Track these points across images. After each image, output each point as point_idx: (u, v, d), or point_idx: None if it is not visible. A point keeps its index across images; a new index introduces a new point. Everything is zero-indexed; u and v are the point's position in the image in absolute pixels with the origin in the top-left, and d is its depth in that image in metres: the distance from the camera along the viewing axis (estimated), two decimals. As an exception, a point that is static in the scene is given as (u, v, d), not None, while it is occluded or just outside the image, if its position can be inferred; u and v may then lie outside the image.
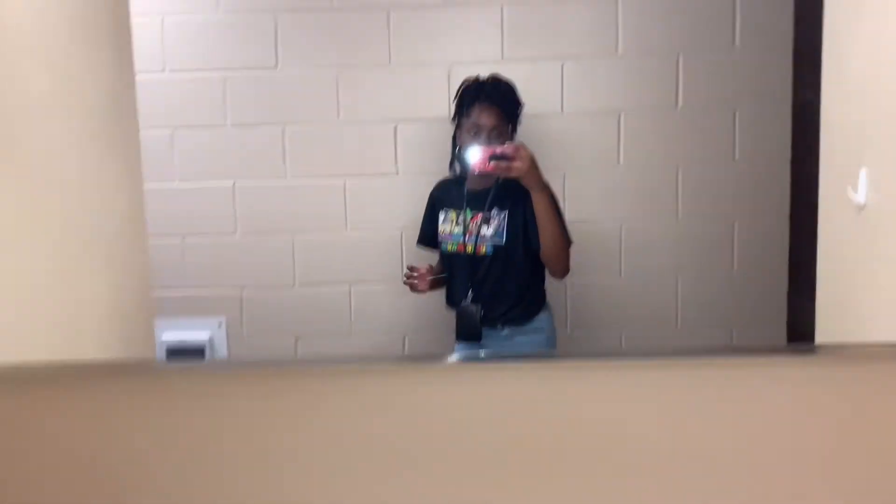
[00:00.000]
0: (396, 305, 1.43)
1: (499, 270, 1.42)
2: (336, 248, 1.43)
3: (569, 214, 1.40)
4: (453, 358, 1.21)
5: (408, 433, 1.10)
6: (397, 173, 1.40)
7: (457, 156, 1.40)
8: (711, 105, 1.38)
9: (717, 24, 1.36)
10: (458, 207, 1.42)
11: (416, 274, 1.43)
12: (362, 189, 1.41)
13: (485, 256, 1.42)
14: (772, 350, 1.16)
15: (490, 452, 1.09)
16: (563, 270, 1.42)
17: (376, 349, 1.43)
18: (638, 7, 1.36)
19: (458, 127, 1.40)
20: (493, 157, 1.36)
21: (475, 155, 1.37)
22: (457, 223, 1.43)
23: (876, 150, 1.10)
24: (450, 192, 1.42)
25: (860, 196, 1.09)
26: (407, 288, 1.43)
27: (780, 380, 1.06)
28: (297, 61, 1.40)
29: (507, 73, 1.37)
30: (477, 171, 1.37)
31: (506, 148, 1.36)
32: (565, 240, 1.40)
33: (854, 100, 1.14)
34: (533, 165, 1.36)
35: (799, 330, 1.38)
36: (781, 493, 1.09)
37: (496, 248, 1.41)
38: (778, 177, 1.38)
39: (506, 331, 1.44)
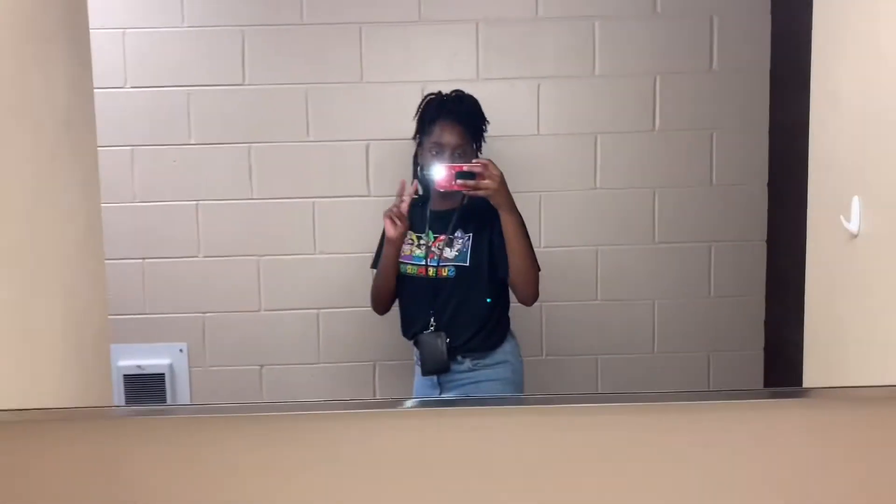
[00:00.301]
0: (366, 331, 1.38)
1: (461, 295, 1.36)
2: (304, 271, 1.37)
3: (544, 238, 1.36)
4: (414, 402, 1.17)
5: (374, 478, 1.05)
6: (369, 194, 1.36)
7: (419, 176, 1.34)
8: (689, 128, 1.37)
9: (695, 47, 1.35)
10: (420, 229, 1.36)
11: (403, 198, 1.33)
12: (332, 210, 1.36)
13: (447, 280, 1.35)
14: (758, 393, 1.13)
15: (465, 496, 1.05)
16: (532, 296, 1.35)
17: (345, 378, 1.38)
18: (615, 28, 1.34)
19: (419, 146, 1.34)
20: (459, 174, 1.30)
21: (440, 173, 1.30)
22: (418, 245, 1.36)
23: (870, 176, 1.07)
24: (412, 213, 1.35)
25: (853, 225, 1.06)
26: (375, 315, 1.36)
27: (766, 422, 1.03)
28: (264, 77, 1.35)
29: (483, 92, 1.33)
30: (442, 189, 1.31)
31: (473, 165, 1.30)
32: (535, 264, 1.34)
33: (845, 124, 1.12)
34: (502, 184, 1.30)
35: (776, 357, 1.36)
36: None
37: (459, 271, 1.35)
38: (755, 201, 1.36)
39: (467, 363, 1.36)
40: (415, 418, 1.08)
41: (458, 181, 1.30)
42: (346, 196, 1.36)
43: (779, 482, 1.04)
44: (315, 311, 1.38)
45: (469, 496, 1.06)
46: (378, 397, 1.38)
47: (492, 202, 1.31)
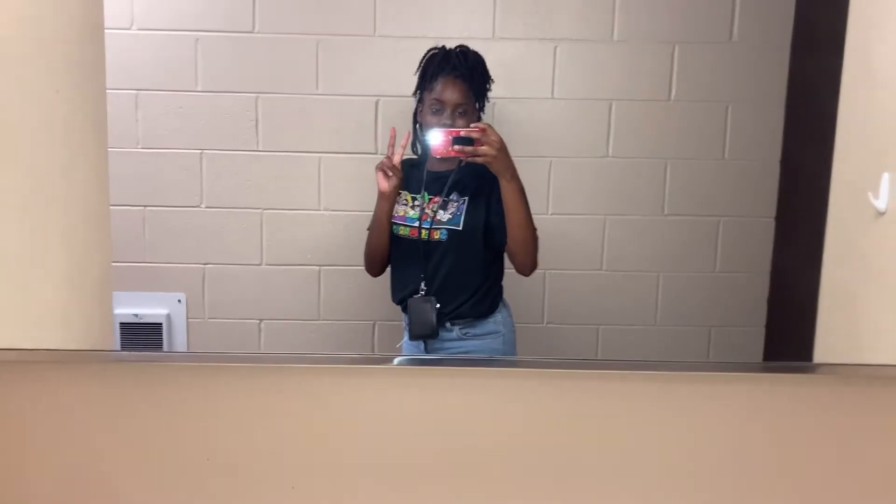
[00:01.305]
0: (367, 291, 1.36)
1: (453, 260, 1.32)
2: (307, 227, 1.35)
3: (552, 205, 1.34)
4: (403, 360, 1.15)
5: (364, 434, 1.05)
6: (377, 152, 1.33)
7: (418, 135, 1.30)
8: (704, 100, 1.34)
9: (716, 17, 1.32)
10: (415, 190, 1.33)
11: (395, 149, 1.29)
12: (338, 167, 1.34)
13: (439, 243, 1.32)
14: (769, 367, 1.12)
15: (444, 460, 1.05)
16: (531, 266, 1.32)
17: (343, 337, 1.37)
18: (636, -7, 1.31)
19: (419, 102, 1.30)
20: (456, 140, 1.24)
21: (436, 138, 1.25)
22: (412, 206, 1.33)
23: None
24: (409, 174, 1.32)
25: (881, 203, 1.03)
26: (370, 275, 1.34)
27: (776, 396, 1.03)
28: (275, 26, 1.31)
29: (498, 52, 1.30)
30: (438, 156, 1.26)
31: (471, 130, 1.25)
32: (534, 234, 1.30)
33: (879, 96, 1.08)
34: (502, 150, 1.25)
35: (776, 334, 1.36)
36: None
37: (451, 235, 1.31)
38: (766, 178, 1.34)
39: (456, 331, 1.33)
40: (406, 376, 1.07)
41: (455, 147, 1.25)
42: (353, 153, 1.34)
43: (781, 457, 1.04)
44: (317, 267, 1.36)
45: (453, 457, 1.06)
46: (372, 353, 1.37)
47: (491, 169, 1.26)
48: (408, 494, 1.08)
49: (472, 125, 1.26)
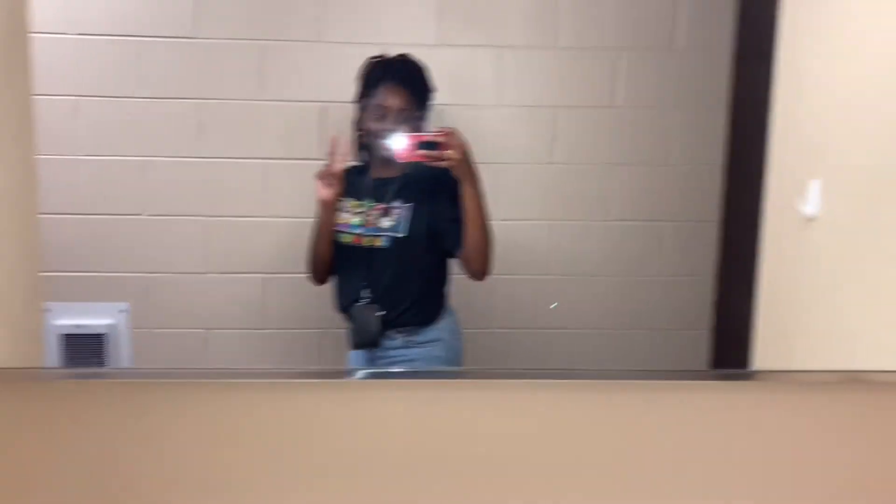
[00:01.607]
0: (314, 299, 1.35)
1: (396, 267, 1.32)
2: (253, 234, 1.34)
3: (498, 211, 1.35)
4: (359, 374, 1.14)
5: (308, 448, 1.04)
6: (323, 158, 1.32)
7: (362, 142, 1.29)
8: (648, 106, 1.36)
9: (658, 24, 1.33)
10: (359, 197, 1.32)
11: (337, 157, 1.28)
12: (284, 173, 1.33)
13: (381, 250, 1.31)
14: (707, 374, 1.13)
15: (390, 470, 1.04)
16: (486, 270, 1.32)
17: (290, 346, 1.36)
18: (579, 0, 1.32)
19: (361, 109, 1.29)
20: (421, 144, 1.25)
21: (400, 142, 1.25)
22: (355, 213, 1.32)
23: (832, 160, 1.06)
24: (352, 181, 1.31)
25: (810, 208, 1.06)
26: (313, 284, 1.33)
27: (715, 404, 1.04)
28: (218, 31, 1.30)
29: (442, 59, 1.30)
30: (402, 160, 1.26)
31: (436, 134, 1.25)
32: (491, 238, 1.31)
33: (809, 105, 1.11)
34: (466, 154, 1.26)
35: (723, 338, 1.38)
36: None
37: (394, 241, 1.30)
38: (710, 183, 1.36)
39: (399, 339, 1.33)
40: (356, 390, 1.06)
41: (420, 151, 1.24)
42: (298, 159, 1.33)
43: (723, 462, 1.05)
44: (262, 275, 1.35)
45: (403, 471, 1.05)
46: (322, 367, 1.36)
47: (454, 173, 1.26)
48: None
49: (436, 129, 1.26)
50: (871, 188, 1.04)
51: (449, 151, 1.24)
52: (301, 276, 1.34)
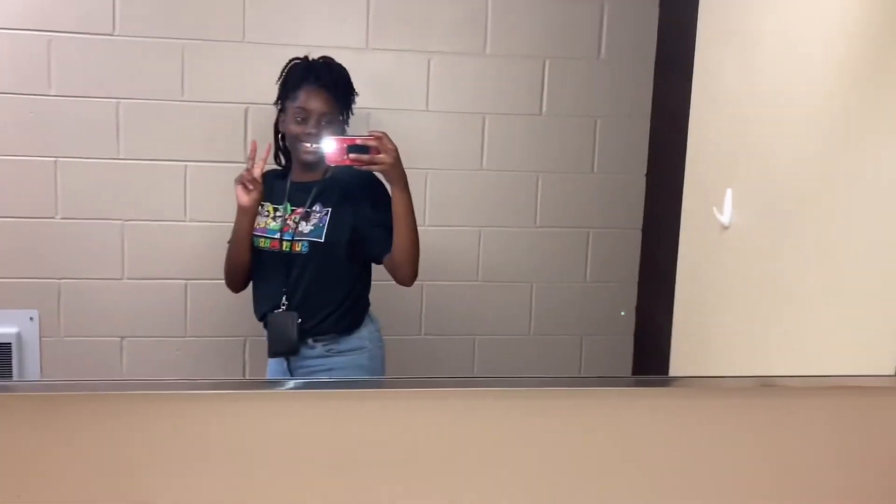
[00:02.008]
0: (237, 305, 1.32)
1: (315, 273, 1.29)
2: (172, 239, 1.30)
3: (429, 217, 1.34)
4: (289, 385, 1.11)
5: (229, 461, 1.00)
6: (245, 161, 1.29)
7: (281, 145, 1.27)
8: (574, 114, 1.38)
9: (584, 34, 1.36)
10: (278, 201, 1.29)
11: (256, 162, 1.24)
12: (205, 176, 1.29)
13: (300, 255, 1.28)
14: (627, 381, 1.15)
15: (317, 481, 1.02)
16: (413, 276, 1.30)
17: (212, 354, 1.32)
18: (508, 9, 1.33)
19: (281, 111, 1.27)
20: (351, 148, 1.22)
21: (330, 146, 1.23)
22: (273, 217, 1.29)
23: (743, 170, 1.10)
24: (272, 185, 1.28)
25: (725, 217, 1.09)
26: (231, 291, 1.29)
27: (632, 410, 1.05)
28: (138, 29, 1.25)
29: (372, 63, 1.29)
30: (332, 164, 1.24)
31: (367, 138, 1.22)
32: (418, 243, 1.28)
33: (723, 118, 1.15)
34: (398, 159, 1.23)
35: (645, 343, 1.40)
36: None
37: (313, 247, 1.28)
38: (633, 190, 1.39)
39: (319, 348, 1.30)
40: (278, 399, 1.03)
41: (351, 155, 1.22)
42: (221, 161, 1.29)
43: (642, 469, 1.07)
44: (183, 281, 1.31)
45: (328, 483, 1.03)
46: (247, 377, 1.33)
47: (385, 178, 1.25)
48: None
49: (368, 133, 1.24)
50: (781, 197, 1.08)
51: (381, 155, 1.22)
52: (222, 282, 1.30)
